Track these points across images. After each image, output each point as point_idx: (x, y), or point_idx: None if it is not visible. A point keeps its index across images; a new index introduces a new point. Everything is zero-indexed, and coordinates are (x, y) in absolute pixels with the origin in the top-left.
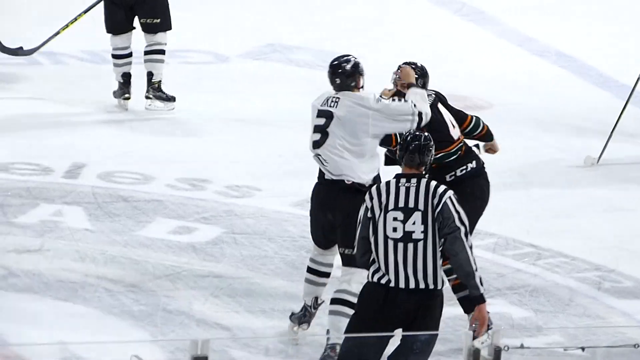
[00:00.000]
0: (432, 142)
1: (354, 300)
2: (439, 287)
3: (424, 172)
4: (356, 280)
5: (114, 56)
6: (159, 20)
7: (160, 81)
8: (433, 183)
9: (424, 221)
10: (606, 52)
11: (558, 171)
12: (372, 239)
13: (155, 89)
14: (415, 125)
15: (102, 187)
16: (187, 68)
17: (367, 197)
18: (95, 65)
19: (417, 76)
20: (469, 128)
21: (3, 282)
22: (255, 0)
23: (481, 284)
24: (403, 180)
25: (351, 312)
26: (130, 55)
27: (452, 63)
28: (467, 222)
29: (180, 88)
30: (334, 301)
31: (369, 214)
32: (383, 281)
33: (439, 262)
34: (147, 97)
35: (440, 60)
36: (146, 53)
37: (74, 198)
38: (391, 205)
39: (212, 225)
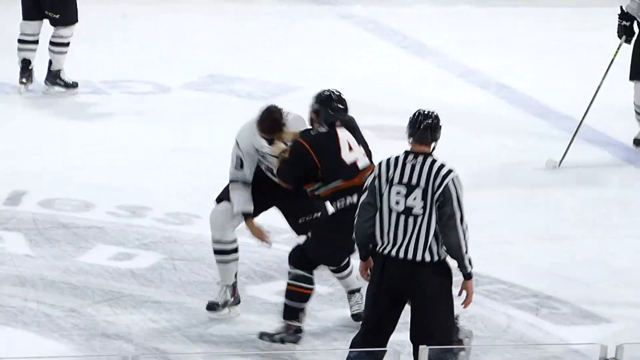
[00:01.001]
0: (440, 121)
1: None
2: (434, 260)
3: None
4: None
5: (19, 40)
6: (57, 16)
7: (59, 70)
8: (438, 163)
9: (424, 198)
10: (547, 84)
11: (498, 199)
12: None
13: (53, 77)
14: None
15: (42, 213)
16: (128, 98)
17: (376, 168)
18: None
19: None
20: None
21: None
22: (197, 31)
23: (470, 265)
24: (411, 157)
25: None
26: (34, 42)
27: (396, 95)
28: (464, 207)
29: (121, 117)
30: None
31: (375, 183)
32: (381, 250)
33: (434, 237)
34: (45, 83)
35: (384, 93)
36: (49, 43)
37: (15, 224)
38: (396, 179)
39: (152, 251)
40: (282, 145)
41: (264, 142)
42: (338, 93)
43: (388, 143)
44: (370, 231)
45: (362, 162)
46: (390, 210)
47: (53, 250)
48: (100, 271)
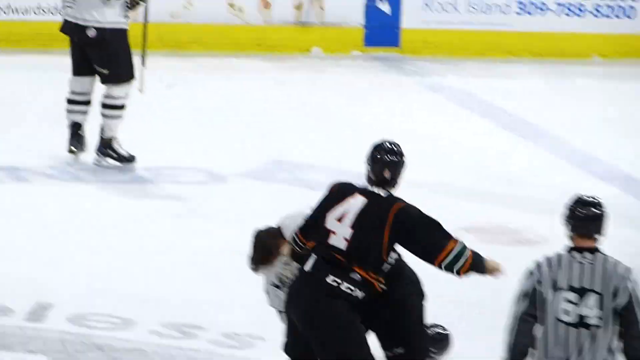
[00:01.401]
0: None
1: None
2: None
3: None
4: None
5: (68, 100)
6: (107, 72)
7: (111, 138)
8: (611, 260)
9: (601, 305)
10: None
11: None
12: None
13: (104, 146)
14: None
15: (72, 332)
16: (174, 188)
17: (534, 269)
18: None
19: None
20: None
21: None
22: (258, 106)
23: None
24: (576, 254)
25: None
26: (86, 103)
27: (502, 183)
28: None
29: (165, 212)
30: None
31: (537, 288)
32: None
33: (609, 353)
34: (96, 154)
35: (487, 179)
36: (100, 105)
37: (39, 346)
38: (563, 284)
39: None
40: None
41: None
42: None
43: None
44: (529, 348)
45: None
46: (557, 322)
47: None
48: None
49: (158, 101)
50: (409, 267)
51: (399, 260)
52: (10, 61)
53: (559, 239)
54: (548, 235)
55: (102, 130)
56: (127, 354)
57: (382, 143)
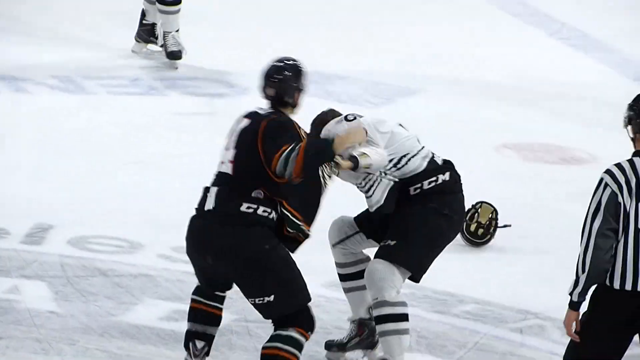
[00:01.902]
0: None
1: (396, 311)
2: None
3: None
4: (391, 284)
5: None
6: None
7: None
8: None
9: None
10: None
11: None
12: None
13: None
14: None
15: (73, 256)
16: (195, 101)
17: (608, 179)
18: (69, 95)
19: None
20: None
21: None
22: (283, 15)
23: None
24: None
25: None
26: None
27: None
28: None
29: (182, 124)
30: (377, 320)
31: (618, 199)
32: (630, 287)
33: None
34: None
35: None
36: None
37: (36, 270)
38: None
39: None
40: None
41: None
42: None
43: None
44: (609, 266)
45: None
46: (637, 232)
47: (87, 307)
48: (150, 335)
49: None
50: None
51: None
52: None
53: (610, 157)
54: (598, 154)
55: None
56: (132, 280)
57: (274, 62)
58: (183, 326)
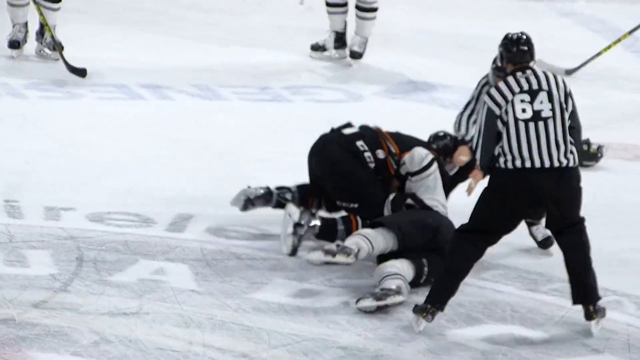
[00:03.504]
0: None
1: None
2: (572, 165)
3: None
4: None
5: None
6: None
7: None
8: (546, 66)
9: (550, 99)
10: None
11: None
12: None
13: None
14: None
15: (211, 242)
16: (315, 106)
17: (486, 98)
18: (208, 101)
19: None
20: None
21: (94, 349)
22: (392, 27)
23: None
24: (518, 73)
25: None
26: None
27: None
28: None
29: (307, 128)
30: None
31: (496, 112)
32: (514, 165)
33: (568, 139)
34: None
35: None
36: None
37: (179, 254)
38: (516, 89)
39: (338, 288)
40: None
41: None
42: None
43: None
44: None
45: None
46: (516, 121)
47: (223, 286)
48: (278, 310)
49: None
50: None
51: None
52: None
53: None
54: None
55: None
56: (263, 262)
57: None
58: (307, 302)
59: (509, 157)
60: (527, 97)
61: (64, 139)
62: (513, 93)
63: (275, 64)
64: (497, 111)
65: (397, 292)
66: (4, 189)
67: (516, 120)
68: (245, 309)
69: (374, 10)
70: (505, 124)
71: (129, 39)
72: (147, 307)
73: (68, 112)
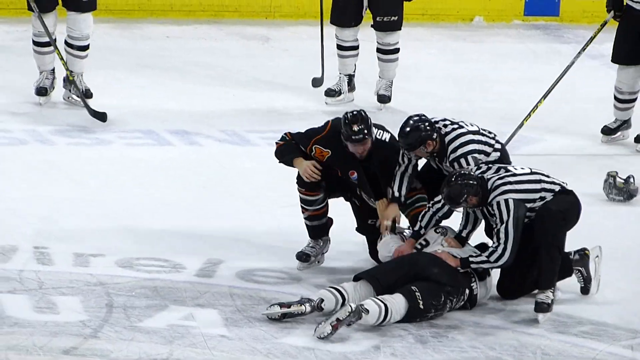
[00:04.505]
0: None
1: None
2: None
3: None
4: None
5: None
6: (396, 18)
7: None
8: None
9: None
10: None
11: None
12: None
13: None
14: None
15: (240, 287)
16: None
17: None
18: (235, 146)
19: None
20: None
21: None
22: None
23: None
24: None
25: None
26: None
27: None
28: None
29: None
30: None
31: None
32: None
33: None
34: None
35: None
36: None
37: (208, 299)
38: None
39: (368, 332)
40: None
41: None
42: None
43: None
44: None
45: None
46: None
47: (253, 331)
48: (309, 355)
49: None
50: None
51: None
52: None
53: None
54: None
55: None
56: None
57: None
58: (337, 347)
59: None
60: None
61: (92, 185)
62: None
63: (301, 108)
64: None
65: (354, 311)
66: (33, 235)
67: None
68: (276, 353)
69: (396, 51)
70: None
71: (155, 86)
72: (178, 352)
73: (96, 158)
